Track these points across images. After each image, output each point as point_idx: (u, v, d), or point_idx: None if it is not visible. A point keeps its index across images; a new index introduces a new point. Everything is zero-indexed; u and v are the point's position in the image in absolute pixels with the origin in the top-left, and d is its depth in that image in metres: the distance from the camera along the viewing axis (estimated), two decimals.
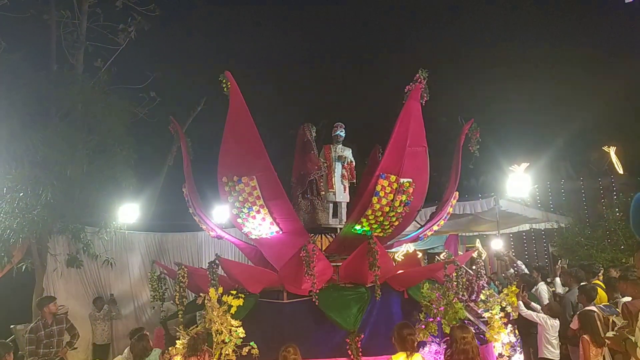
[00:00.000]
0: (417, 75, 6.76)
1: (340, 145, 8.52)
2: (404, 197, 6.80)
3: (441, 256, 11.78)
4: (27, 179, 8.48)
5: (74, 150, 9.14)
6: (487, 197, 11.96)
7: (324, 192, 8.35)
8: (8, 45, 9.37)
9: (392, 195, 6.77)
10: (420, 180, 7.11)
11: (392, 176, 6.74)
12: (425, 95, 6.79)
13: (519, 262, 10.94)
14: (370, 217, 6.91)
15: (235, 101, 6.84)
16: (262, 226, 7.13)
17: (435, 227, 8.35)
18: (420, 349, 6.32)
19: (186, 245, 12.17)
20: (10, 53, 9.13)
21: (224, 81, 6.72)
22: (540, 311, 7.16)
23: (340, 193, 8.35)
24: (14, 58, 9.01)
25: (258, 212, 6.92)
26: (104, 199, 9.72)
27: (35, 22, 10.53)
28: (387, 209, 6.82)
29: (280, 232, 7.21)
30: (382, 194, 6.77)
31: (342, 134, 8.53)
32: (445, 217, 8.27)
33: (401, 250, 12.06)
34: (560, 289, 8.72)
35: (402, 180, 6.76)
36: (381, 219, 6.96)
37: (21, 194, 8.39)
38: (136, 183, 10.45)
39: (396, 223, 7.06)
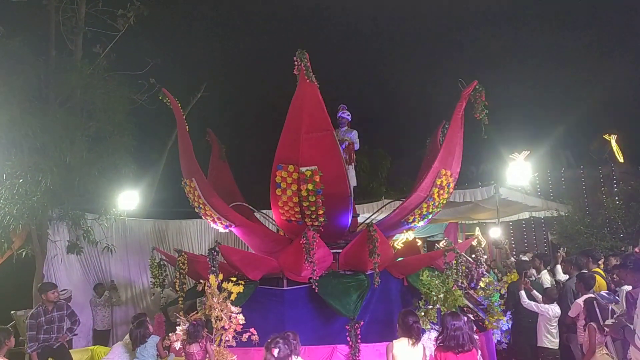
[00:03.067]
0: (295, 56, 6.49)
1: (345, 128, 8.46)
2: (310, 186, 6.65)
3: (441, 244, 11.76)
4: (26, 166, 8.45)
5: (74, 136, 9.10)
6: (487, 185, 11.95)
7: None
8: (7, 30, 9.27)
9: (295, 185, 6.73)
10: (332, 165, 6.70)
11: (291, 166, 6.67)
12: (309, 77, 6.42)
13: (512, 259, 10.99)
14: (284, 208, 7.06)
15: (177, 115, 7.61)
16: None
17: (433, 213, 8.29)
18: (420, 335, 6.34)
19: (186, 232, 12.18)
20: (9, 39, 9.04)
21: (164, 99, 6.98)
22: (541, 300, 7.16)
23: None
24: (13, 43, 8.93)
25: (204, 209, 7.40)
26: (103, 185, 9.70)
27: (34, 8, 10.41)
28: (296, 199, 6.84)
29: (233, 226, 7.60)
30: (283, 185, 6.82)
31: (345, 115, 8.48)
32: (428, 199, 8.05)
33: (401, 238, 12.08)
34: (561, 277, 8.73)
35: (302, 169, 6.61)
36: (297, 209, 6.91)
37: (21, 181, 8.37)
38: (136, 170, 10.42)
39: (320, 212, 6.90)
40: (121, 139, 10.02)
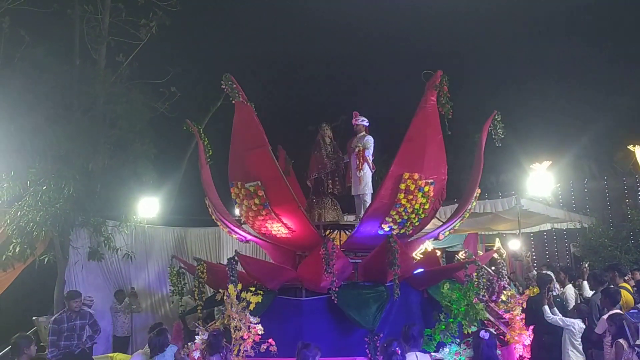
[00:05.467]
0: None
1: (362, 134, 8.46)
2: (256, 201, 6.92)
3: (460, 255, 11.65)
4: (49, 173, 8.59)
5: (96, 144, 9.24)
6: (508, 196, 11.80)
7: (331, 190, 8.41)
8: (32, 40, 9.47)
9: (246, 200, 7.06)
10: (273, 180, 6.91)
11: (239, 182, 7.03)
12: (234, 98, 6.90)
13: (534, 273, 10.80)
14: (254, 223, 7.27)
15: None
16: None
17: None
18: (440, 349, 6.28)
19: (205, 241, 12.23)
20: (34, 48, 9.23)
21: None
22: (560, 315, 7.01)
23: (355, 185, 8.29)
24: (38, 53, 9.12)
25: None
26: (124, 193, 9.81)
27: (58, 17, 10.63)
28: (252, 213, 7.14)
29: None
30: (238, 201, 7.17)
31: (359, 122, 8.47)
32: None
33: (420, 249, 11.98)
34: (588, 293, 8.50)
35: (246, 185, 6.91)
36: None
37: (44, 188, 8.50)
38: (156, 177, 10.52)
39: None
40: (142, 147, 10.14)
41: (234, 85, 6.89)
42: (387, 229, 6.97)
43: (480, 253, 14.04)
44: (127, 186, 9.83)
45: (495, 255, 10.31)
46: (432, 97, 6.81)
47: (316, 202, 8.36)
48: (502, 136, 7.55)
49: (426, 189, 6.80)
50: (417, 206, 6.83)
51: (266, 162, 6.84)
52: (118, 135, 9.95)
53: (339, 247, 6.41)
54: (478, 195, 8.12)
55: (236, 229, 8.04)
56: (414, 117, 6.85)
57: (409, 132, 6.81)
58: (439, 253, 11.69)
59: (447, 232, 8.24)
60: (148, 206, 10.21)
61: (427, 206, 6.96)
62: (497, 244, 14.38)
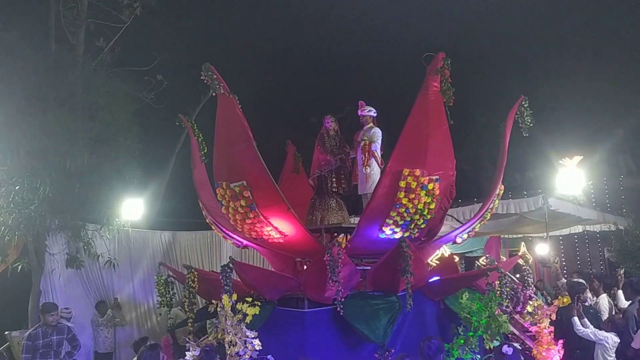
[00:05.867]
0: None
1: (369, 126, 8.46)
2: (242, 202, 6.98)
3: (481, 261, 11.67)
4: (23, 171, 8.60)
5: (74, 139, 9.25)
6: (534, 195, 11.79)
7: (336, 189, 8.43)
8: (3, 23, 9.48)
9: (232, 202, 7.13)
10: (259, 179, 6.97)
11: (224, 182, 7.10)
12: (214, 90, 7.03)
13: (564, 281, 10.79)
14: (241, 227, 7.35)
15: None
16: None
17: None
18: None
19: (196, 246, 12.28)
20: (5, 32, 9.24)
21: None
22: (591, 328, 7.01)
23: (362, 184, 8.30)
24: (10, 37, 9.12)
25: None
26: (106, 193, 9.83)
27: None
28: (239, 216, 7.21)
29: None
30: (224, 203, 7.23)
31: (367, 113, 8.48)
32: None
33: (435, 254, 11.99)
34: (623, 303, 8.49)
35: (231, 185, 6.99)
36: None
37: (17, 187, 8.52)
38: (141, 176, 10.53)
39: (268, 228, 7.23)
40: (125, 142, 10.16)
41: (215, 76, 6.96)
42: (388, 232, 6.97)
43: (504, 259, 14.02)
44: (109, 185, 9.85)
45: (520, 261, 10.31)
46: (434, 82, 6.74)
47: (318, 204, 8.38)
48: (530, 125, 7.48)
49: (430, 186, 6.74)
50: (420, 206, 6.79)
51: (251, 159, 6.90)
52: (99, 129, 9.96)
53: (345, 252, 6.42)
54: (501, 193, 8.11)
55: (232, 234, 8.08)
56: (414, 106, 6.82)
57: (408, 122, 6.78)
58: (457, 259, 11.68)
59: (466, 236, 8.24)
60: (132, 208, 10.24)
61: (432, 206, 6.92)
62: (522, 248, 14.33)
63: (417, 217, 6.91)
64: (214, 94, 7.19)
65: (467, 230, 8.07)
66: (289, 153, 10.10)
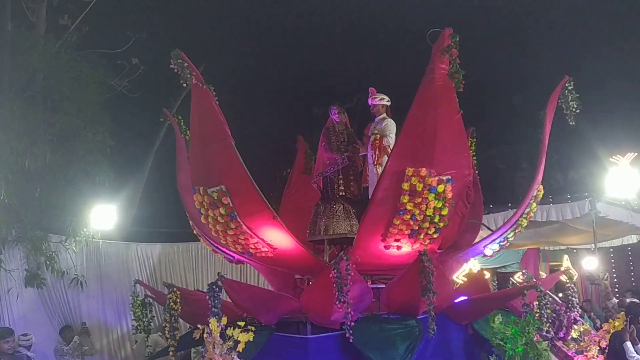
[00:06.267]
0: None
1: (382, 116, 8.43)
2: (222, 211, 6.95)
3: (516, 277, 11.65)
4: None
5: (34, 134, 9.26)
6: (580, 200, 11.75)
7: (344, 192, 8.40)
8: None
9: (211, 211, 7.12)
10: (239, 183, 6.98)
11: (201, 188, 7.09)
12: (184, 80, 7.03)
13: (615, 301, 10.73)
14: (224, 239, 7.33)
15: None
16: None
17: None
18: None
19: (179, 261, 12.27)
20: None
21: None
22: None
23: (373, 185, 8.28)
24: None
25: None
26: (71, 198, 9.84)
27: None
28: (220, 227, 7.20)
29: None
30: (203, 211, 7.22)
31: (379, 102, 8.45)
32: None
33: (462, 270, 11.97)
34: None
35: (209, 190, 6.98)
36: (229, 239, 7.21)
37: None
38: (113, 178, 10.55)
39: (252, 240, 7.20)
40: (94, 138, 10.17)
41: (185, 64, 6.97)
42: (393, 243, 6.97)
43: (544, 275, 14.00)
44: (75, 189, 9.86)
45: (563, 278, 10.26)
46: (441, 64, 6.67)
47: (323, 210, 8.34)
48: (576, 111, 7.42)
49: (440, 188, 6.69)
50: (429, 212, 6.77)
51: (229, 160, 6.93)
52: (63, 123, 9.98)
53: (355, 267, 6.40)
54: (540, 196, 8.07)
55: (222, 247, 8.08)
56: (417, 93, 6.78)
57: (411, 112, 6.77)
58: (488, 275, 11.65)
59: (498, 247, 8.21)
60: (103, 215, 10.24)
61: (444, 212, 6.88)
62: (566, 262, 14.34)
63: (427, 225, 6.88)
64: (184, 85, 7.19)
65: (498, 241, 8.05)
66: (299, 151, 10.10)
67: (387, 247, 7.09)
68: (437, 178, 6.68)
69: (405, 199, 6.65)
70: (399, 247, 7.04)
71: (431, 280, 6.30)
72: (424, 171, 6.61)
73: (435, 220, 6.88)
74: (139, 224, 14.04)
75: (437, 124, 6.79)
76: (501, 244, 8.15)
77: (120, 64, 11.88)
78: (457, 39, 6.57)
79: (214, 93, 7.14)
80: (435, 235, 7.06)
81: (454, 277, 10.79)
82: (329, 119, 8.79)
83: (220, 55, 15.42)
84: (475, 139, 9.09)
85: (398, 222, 6.78)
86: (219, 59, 15.37)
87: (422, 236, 6.96)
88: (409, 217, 6.75)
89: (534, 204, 8.05)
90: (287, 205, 9.69)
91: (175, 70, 7.05)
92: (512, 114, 17.86)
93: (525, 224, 8.14)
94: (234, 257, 8.23)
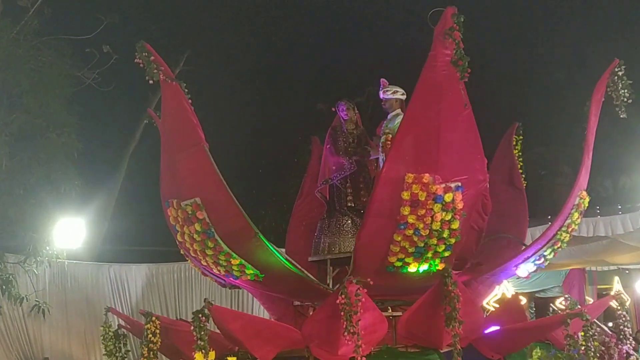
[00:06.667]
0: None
1: (395, 112, 8.40)
2: (197, 226, 6.96)
3: (558, 304, 11.64)
4: None
5: None
6: (633, 211, 11.75)
7: (352, 203, 8.37)
8: None
9: (186, 227, 7.12)
10: (215, 193, 7.00)
11: (175, 201, 7.10)
12: (150, 75, 6.95)
13: None
14: (203, 259, 7.29)
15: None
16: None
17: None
18: None
19: (159, 284, 12.28)
20: None
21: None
22: None
23: None
24: None
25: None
26: (32, 211, 9.84)
27: None
28: (197, 246, 7.19)
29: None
30: (178, 228, 7.23)
31: (391, 96, 8.42)
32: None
33: (493, 294, 11.95)
34: None
35: (182, 204, 7.00)
36: (209, 260, 7.18)
37: None
38: (81, 187, 10.55)
39: (235, 262, 7.15)
40: (59, 139, 10.18)
41: (151, 57, 6.95)
42: (397, 263, 6.91)
43: (590, 300, 13.95)
44: (36, 200, 9.87)
45: (614, 304, 10.25)
46: (445, 50, 6.51)
47: (328, 225, 8.32)
48: (629, 101, 7.27)
49: (448, 197, 6.57)
50: (435, 226, 6.64)
51: (203, 168, 6.96)
52: (22, 121, 10.00)
53: (366, 292, 6.39)
54: (584, 205, 8.01)
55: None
56: (417, 84, 6.66)
57: (409, 108, 6.75)
58: (524, 301, 11.62)
59: (533, 267, 8.16)
60: (69, 231, 10.24)
61: (454, 225, 6.76)
62: (617, 285, 14.30)
63: (434, 241, 6.76)
64: (151, 82, 7.19)
65: (532, 259, 7.98)
66: (312, 155, 10.04)
67: (390, 268, 7.03)
68: (443, 185, 6.57)
69: (406, 210, 6.56)
70: (404, 266, 7.00)
71: (457, 307, 6.27)
72: (427, 177, 6.50)
73: (444, 235, 6.75)
74: (112, 241, 14.08)
75: (442, 121, 6.66)
76: (537, 263, 8.07)
77: (89, 52, 11.92)
78: (462, 20, 6.39)
79: (186, 90, 7.14)
80: (446, 254, 6.95)
81: (484, 303, 10.78)
82: (336, 117, 8.79)
83: (209, 42, 15.48)
84: (521, 137, 9.05)
85: (399, 239, 6.69)
86: (208, 47, 15.44)
87: (429, 255, 6.87)
88: (411, 232, 6.66)
89: (576, 214, 7.94)
90: (298, 219, 9.65)
91: (140, 65, 7.05)
92: (555, 109, 17.80)
93: (567, 239, 8.06)
94: (225, 280, 8.22)
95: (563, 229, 7.80)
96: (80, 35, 11.93)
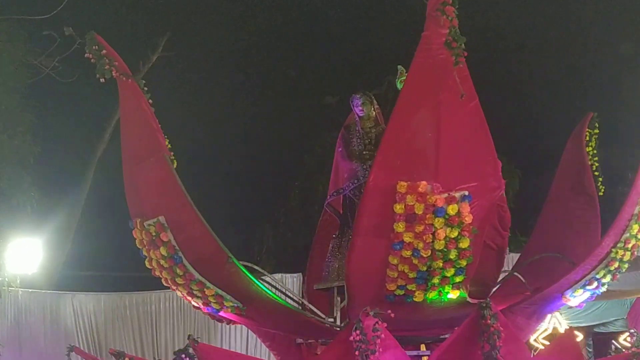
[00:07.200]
0: None
1: None
2: (162, 251, 6.94)
3: (622, 340, 11.64)
4: None
5: None
6: None
7: None
8: None
9: (152, 251, 7.10)
10: (180, 212, 7.05)
11: (139, 220, 7.10)
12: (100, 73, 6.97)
13: None
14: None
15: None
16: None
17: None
18: None
19: (132, 317, 12.28)
20: None
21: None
22: None
23: None
24: None
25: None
26: None
27: None
28: (166, 274, 7.17)
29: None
30: (145, 252, 7.19)
31: None
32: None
33: (542, 329, 11.92)
34: None
35: (146, 224, 7.00)
36: (183, 290, 7.16)
37: None
38: (39, 199, 10.58)
39: (210, 293, 7.09)
40: (11, 142, 10.22)
41: (103, 51, 6.99)
42: (398, 292, 6.84)
43: None
44: None
45: None
46: (441, 30, 6.29)
47: (339, 245, 8.31)
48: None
49: (451, 209, 6.41)
50: (438, 245, 6.49)
51: (164, 181, 7.00)
52: None
53: (385, 327, 6.38)
54: None
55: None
56: (409, 72, 6.57)
57: (399, 101, 6.55)
58: (580, 337, 11.59)
59: (587, 294, 8.10)
60: (24, 254, 10.27)
61: (464, 244, 6.59)
62: None
63: (439, 264, 6.62)
64: (102, 80, 7.21)
65: (582, 284, 7.89)
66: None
67: (391, 298, 6.98)
68: (445, 195, 6.41)
69: (401, 227, 6.42)
70: (407, 295, 6.95)
71: (497, 345, 6.27)
72: (423, 185, 6.35)
73: (451, 257, 6.60)
74: (75, 266, 14.11)
75: (441, 116, 6.50)
76: (590, 289, 7.97)
77: (47, 35, 11.96)
78: None
79: (146, 89, 7.20)
80: (457, 279, 6.79)
81: (531, 340, 10.77)
82: (350, 114, 8.77)
83: (193, 23, 15.54)
84: (596, 131, 8.94)
85: (396, 262, 6.57)
86: (192, 29, 15.48)
87: (436, 281, 6.74)
88: (409, 253, 6.50)
89: (636, 227, 7.83)
90: (321, 239, 9.52)
91: (91, 59, 7.07)
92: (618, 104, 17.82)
93: (627, 258, 7.96)
94: (216, 312, 8.24)
95: (619, 245, 7.60)
96: (36, 14, 11.98)
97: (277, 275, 11.88)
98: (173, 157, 7.90)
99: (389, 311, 6.42)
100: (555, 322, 11.45)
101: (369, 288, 6.86)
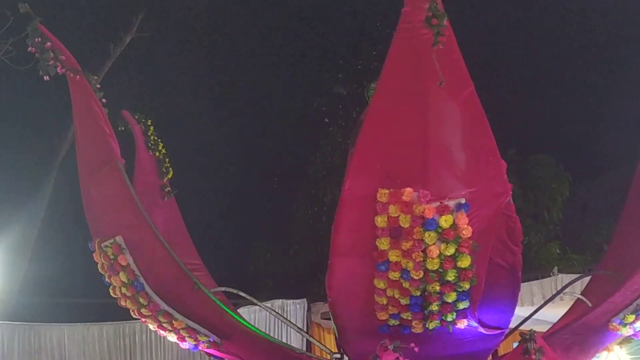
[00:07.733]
0: None
1: None
2: (122, 277, 7.09)
3: None
4: None
5: None
6: None
7: None
8: None
9: (114, 277, 7.25)
10: (136, 230, 7.15)
11: (97, 240, 7.26)
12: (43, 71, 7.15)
13: None
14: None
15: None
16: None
17: None
18: None
19: (100, 352, 12.34)
20: None
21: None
22: None
23: None
24: None
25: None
26: None
27: None
28: (131, 303, 7.36)
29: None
30: (107, 279, 7.42)
31: None
32: None
33: None
34: None
35: (103, 245, 7.12)
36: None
37: None
38: None
39: (461, 305, 6.82)
40: None
41: (47, 44, 7.13)
42: (392, 322, 6.82)
43: None
44: None
45: None
46: (422, 4, 5.96)
47: None
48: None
49: (445, 221, 6.35)
50: (432, 265, 6.46)
51: (118, 194, 7.12)
52: None
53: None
54: None
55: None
56: (388, 56, 6.35)
57: (378, 90, 6.59)
58: None
59: (630, 317, 8.07)
60: None
61: (464, 262, 6.53)
62: None
63: (435, 287, 6.61)
64: (46, 78, 7.27)
65: (633, 308, 7.85)
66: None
67: (385, 329, 6.96)
68: (436, 204, 6.34)
69: (384, 243, 6.43)
70: (404, 326, 6.96)
71: None
72: (408, 193, 6.29)
73: (450, 278, 6.57)
74: (33, 291, 14.18)
75: (429, 109, 6.38)
76: None
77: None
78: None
79: (98, 87, 7.31)
80: (461, 305, 6.79)
81: None
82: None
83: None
84: None
85: (383, 285, 6.57)
86: (172, 4, 15.60)
87: (435, 308, 6.72)
88: (397, 275, 6.53)
89: None
90: None
91: (34, 53, 7.20)
92: None
93: None
94: (197, 345, 8.33)
95: None
96: None
97: (278, 302, 11.96)
98: (168, 166, 8.03)
99: (412, 344, 6.43)
100: (615, 357, 11.51)
101: (356, 318, 6.97)
